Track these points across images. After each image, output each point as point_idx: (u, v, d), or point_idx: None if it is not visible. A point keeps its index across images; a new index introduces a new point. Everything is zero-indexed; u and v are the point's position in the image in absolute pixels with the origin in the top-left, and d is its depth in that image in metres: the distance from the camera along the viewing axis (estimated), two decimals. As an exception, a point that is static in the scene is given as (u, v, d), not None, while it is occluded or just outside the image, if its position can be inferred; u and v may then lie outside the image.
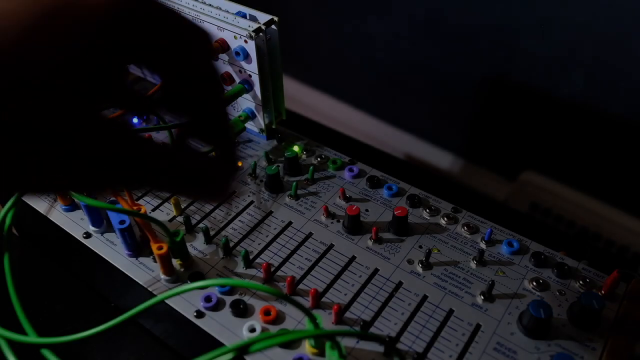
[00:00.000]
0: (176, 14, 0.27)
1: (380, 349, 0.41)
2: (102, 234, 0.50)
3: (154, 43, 0.26)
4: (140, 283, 0.46)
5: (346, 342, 0.41)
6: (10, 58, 0.22)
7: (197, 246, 0.49)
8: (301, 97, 1.37)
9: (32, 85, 0.22)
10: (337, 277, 0.46)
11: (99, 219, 0.49)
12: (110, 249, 0.49)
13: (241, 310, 0.43)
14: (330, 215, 0.51)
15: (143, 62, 0.27)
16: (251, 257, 0.47)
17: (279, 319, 0.43)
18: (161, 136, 0.60)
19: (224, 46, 0.53)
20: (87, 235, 0.50)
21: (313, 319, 0.38)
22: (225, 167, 0.30)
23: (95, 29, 0.24)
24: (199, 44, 0.28)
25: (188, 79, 0.28)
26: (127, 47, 0.26)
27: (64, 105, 0.23)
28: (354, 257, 0.48)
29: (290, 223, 0.51)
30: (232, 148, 0.30)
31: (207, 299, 0.44)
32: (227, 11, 0.54)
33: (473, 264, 0.47)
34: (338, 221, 0.51)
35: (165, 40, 0.27)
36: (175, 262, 0.47)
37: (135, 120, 0.62)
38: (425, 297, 0.45)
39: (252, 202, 0.53)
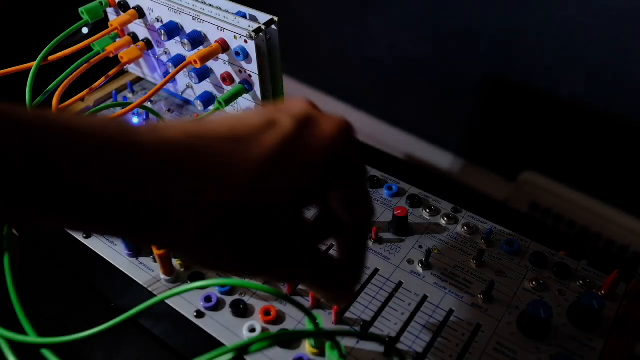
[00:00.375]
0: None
1: (380, 349, 0.41)
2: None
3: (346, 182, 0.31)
4: (140, 283, 0.46)
5: (346, 342, 0.41)
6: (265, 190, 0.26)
7: (197, 246, 0.49)
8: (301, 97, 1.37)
9: (274, 213, 0.27)
10: (337, 277, 0.46)
11: (99, 219, 0.49)
12: (110, 249, 0.49)
13: (241, 310, 0.43)
14: (330, 215, 0.51)
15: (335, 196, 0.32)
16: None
17: (279, 319, 0.43)
18: (161, 136, 0.60)
19: (224, 46, 0.53)
20: (87, 235, 0.50)
21: (313, 319, 0.38)
22: (354, 277, 0.34)
23: (321, 169, 0.28)
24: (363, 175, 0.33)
25: (352, 206, 0.32)
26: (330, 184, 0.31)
27: (287, 231, 0.28)
28: (354, 257, 0.48)
29: (290, 223, 0.51)
30: (364, 262, 0.34)
31: (207, 299, 0.44)
32: (227, 11, 0.54)
33: (473, 264, 0.47)
34: (338, 221, 0.51)
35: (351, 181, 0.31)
36: (175, 262, 0.47)
37: (135, 120, 0.62)
38: (425, 297, 0.45)
39: (252, 202, 0.53)
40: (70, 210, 0.24)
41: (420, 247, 0.48)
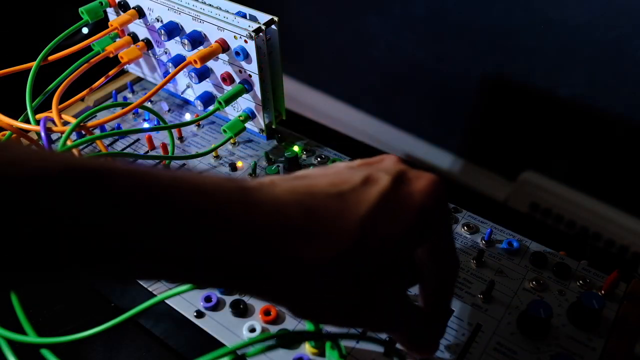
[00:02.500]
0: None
1: (380, 349, 0.41)
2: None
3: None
4: (140, 283, 0.46)
5: (346, 342, 0.41)
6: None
7: (197, 246, 0.49)
8: (301, 97, 1.37)
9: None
10: (337, 277, 0.46)
11: (99, 219, 0.49)
12: (110, 249, 0.49)
13: (241, 310, 0.43)
14: (330, 215, 0.51)
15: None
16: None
17: (279, 319, 0.43)
18: (161, 136, 0.60)
19: (224, 46, 0.53)
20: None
21: (313, 319, 0.38)
22: (441, 328, 0.36)
23: (415, 223, 0.30)
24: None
25: (440, 257, 0.34)
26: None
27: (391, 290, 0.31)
28: (354, 257, 0.48)
29: (290, 223, 0.51)
30: (449, 313, 0.37)
31: (207, 299, 0.44)
32: (227, 11, 0.54)
33: (473, 264, 0.47)
34: (338, 221, 0.51)
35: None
36: (175, 262, 0.46)
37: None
38: (425, 297, 0.45)
39: (252, 202, 0.53)
40: (187, 266, 0.26)
41: (420, 247, 0.48)
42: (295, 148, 0.58)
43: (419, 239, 0.32)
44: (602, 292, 0.44)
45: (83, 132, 0.56)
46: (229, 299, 0.44)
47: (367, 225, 0.28)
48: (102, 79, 0.60)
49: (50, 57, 0.56)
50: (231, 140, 0.59)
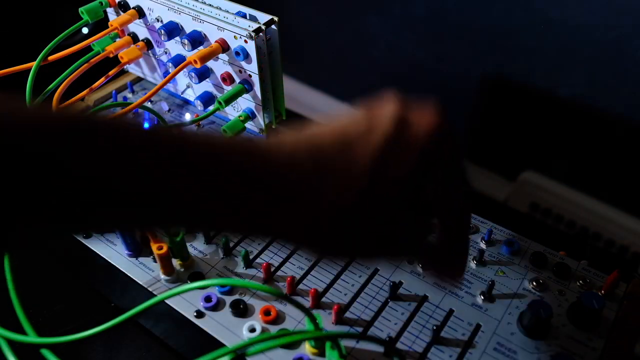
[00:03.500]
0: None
1: (380, 348, 0.41)
2: (102, 234, 0.50)
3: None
4: (140, 283, 0.46)
5: (346, 342, 0.41)
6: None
7: (197, 246, 0.49)
8: (301, 97, 1.37)
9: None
10: (337, 277, 0.46)
11: (99, 219, 0.49)
12: (110, 249, 0.49)
13: (241, 310, 0.43)
14: (330, 215, 0.51)
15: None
16: (251, 257, 0.47)
17: (279, 319, 0.43)
18: (161, 136, 0.60)
19: (224, 46, 0.53)
20: (87, 235, 0.50)
21: (313, 319, 0.38)
22: (453, 253, 0.36)
23: (421, 161, 0.31)
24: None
25: (451, 192, 0.35)
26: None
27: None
28: (354, 257, 0.48)
29: (290, 223, 0.51)
30: (463, 241, 0.37)
31: (207, 299, 0.44)
32: (227, 11, 0.54)
33: (473, 264, 0.47)
34: (338, 221, 0.51)
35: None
36: (175, 262, 0.47)
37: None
38: (425, 297, 0.45)
39: (252, 202, 0.53)
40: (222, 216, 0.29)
41: (420, 247, 0.48)
42: (295, 148, 0.58)
43: (424, 178, 0.33)
44: (602, 292, 0.44)
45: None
46: (229, 299, 0.44)
47: (377, 170, 0.30)
48: (102, 79, 0.60)
49: (50, 57, 0.56)
50: (231, 140, 0.59)
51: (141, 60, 0.65)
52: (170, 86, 0.65)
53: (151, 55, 0.63)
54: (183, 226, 0.32)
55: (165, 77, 0.54)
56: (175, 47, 0.59)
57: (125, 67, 0.65)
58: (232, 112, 0.60)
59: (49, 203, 0.25)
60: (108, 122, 0.27)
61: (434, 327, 0.41)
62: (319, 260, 0.47)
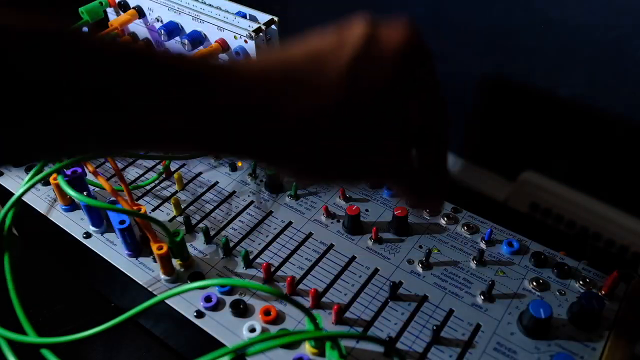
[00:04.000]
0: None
1: (380, 349, 0.41)
2: (102, 234, 0.50)
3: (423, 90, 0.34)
4: (140, 283, 0.46)
5: (346, 342, 0.41)
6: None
7: (197, 246, 0.49)
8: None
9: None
10: (337, 277, 0.46)
11: (99, 219, 0.49)
12: (110, 249, 0.49)
13: (241, 310, 0.43)
14: (330, 215, 0.51)
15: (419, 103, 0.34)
16: (251, 257, 0.47)
17: (279, 319, 0.43)
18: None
19: (224, 46, 0.53)
20: (87, 235, 0.50)
21: (313, 319, 0.38)
22: (442, 183, 0.36)
23: (394, 72, 0.31)
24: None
25: (430, 110, 0.34)
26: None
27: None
28: (354, 257, 0.48)
29: (290, 223, 0.51)
30: (447, 168, 0.36)
31: (207, 299, 0.44)
32: (227, 11, 0.54)
33: (473, 264, 0.47)
34: (338, 221, 0.51)
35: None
36: (175, 262, 0.47)
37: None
38: (425, 297, 0.45)
39: (252, 202, 0.53)
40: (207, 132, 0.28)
41: (420, 247, 0.48)
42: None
43: (404, 87, 0.32)
44: (602, 292, 0.44)
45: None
46: (229, 299, 0.44)
47: (348, 81, 0.29)
48: (102, 79, 0.60)
49: (50, 57, 0.56)
50: (231, 140, 0.59)
51: (141, 60, 0.65)
52: (170, 86, 0.65)
53: (151, 55, 0.63)
54: (149, 144, 0.30)
55: (165, 77, 0.54)
56: (175, 47, 0.59)
57: (125, 67, 0.65)
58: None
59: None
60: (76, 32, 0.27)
61: (434, 327, 0.41)
62: (319, 260, 0.47)
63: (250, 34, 0.50)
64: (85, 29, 0.74)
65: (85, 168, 0.50)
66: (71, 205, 0.52)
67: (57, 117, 0.26)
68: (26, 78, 0.24)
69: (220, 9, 0.54)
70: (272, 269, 0.47)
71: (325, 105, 0.29)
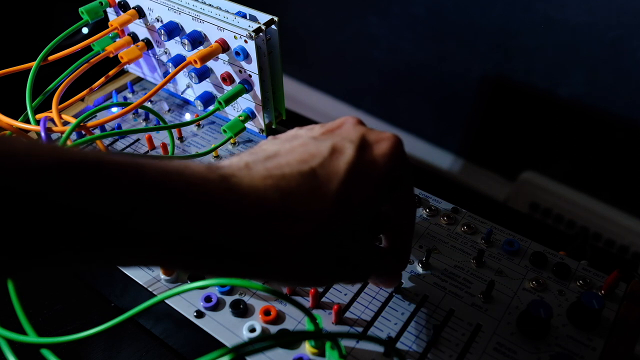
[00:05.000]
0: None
1: (380, 349, 0.41)
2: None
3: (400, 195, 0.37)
4: (140, 283, 0.46)
5: (346, 342, 0.41)
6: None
7: (197, 246, 0.49)
8: (301, 97, 1.37)
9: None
10: (337, 277, 0.46)
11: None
12: (110, 249, 0.49)
13: (241, 310, 0.43)
14: (330, 215, 0.51)
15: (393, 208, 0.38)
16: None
17: (279, 319, 0.43)
18: (161, 136, 0.60)
19: (224, 46, 0.53)
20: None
21: (313, 319, 0.38)
22: (404, 263, 0.41)
23: (383, 183, 0.33)
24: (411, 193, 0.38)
25: (405, 205, 0.38)
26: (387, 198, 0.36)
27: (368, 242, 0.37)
28: (354, 257, 0.48)
29: (290, 223, 0.51)
30: (408, 255, 0.41)
31: (207, 299, 0.44)
32: (227, 11, 0.54)
33: (473, 264, 0.47)
34: (338, 221, 0.51)
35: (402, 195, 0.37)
36: (175, 262, 0.46)
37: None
38: (425, 297, 0.45)
39: (252, 202, 0.53)
40: (185, 254, 0.28)
41: (420, 247, 0.48)
42: (295, 148, 0.58)
43: (387, 196, 0.35)
44: (602, 292, 0.44)
45: (83, 132, 0.56)
46: (229, 299, 0.44)
47: (341, 197, 0.31)
48: (102, 79, 0.60)
49: (50, 57, 0.56)
50: (231, 140, 0.59)
51: (141, 60, 0.65)
52: (170, 86, 0.65)
53: (151, 55, 0.63)
54: (146, 262, 0.31)
55: (165, 77, 0.54)
56: (175, 47, 0.59)
57: (125, 67, 0.65)
58: (232, 112, 0.60)
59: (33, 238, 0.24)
60: (91, 156, 0.26)
61: (435, 325, 0.41)
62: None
63: (250, 34, 0.50)
64: (85, 29, 0.75)
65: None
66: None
67: (76, 253, 0.26)
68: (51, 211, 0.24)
69: (220, 9, 0.54)
70: (272, 269, 0.46)
71: (317, 226, 0.30)
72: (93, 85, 0.60)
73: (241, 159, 0.32)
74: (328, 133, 0.34)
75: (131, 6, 0.59)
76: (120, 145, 0.59)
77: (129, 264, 0.38)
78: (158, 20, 0.58)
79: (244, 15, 0.53)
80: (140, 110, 0.63)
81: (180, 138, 0.60)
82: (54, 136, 0.58)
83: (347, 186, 0.31)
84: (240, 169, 0.30)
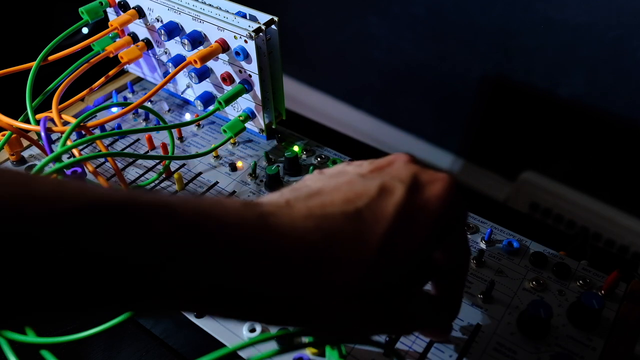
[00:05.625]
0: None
1: (380, 349, 0.41)
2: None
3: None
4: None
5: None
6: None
7: (197, 246, 0.48)
8: (301, 97, 1.37)
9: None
10: (337, 277, 0.46)
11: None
12: (110, 249, 0.49)
13: (241, 310, 0.43)
14: (330, 215, 0.51)
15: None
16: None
17: (279, 319, 0.43)
18: (161, 136, 0.60)
19: (224, 46, 0.53)
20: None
21: (313, 319, 0.38)
22: (454, 314, 0.37)
23: (434, 229, 0.30)
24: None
25: (457, 251, 0.35)
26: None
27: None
28: (354, 257, 0.48)
29: (290, 223, 0.51)
30: (459, 304, 0.37)
31: (207, 299, 0.44)
32: (227, 11, 0.54)
33: (473, 264, 0.47)
34: (338, 221, 0.51)
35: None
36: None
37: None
38: (425, 297, 0.45)
39: (252, 202, 0.53)
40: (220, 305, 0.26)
41: (420, 247, 0.48)
42: (295, 148, 0.58)
43: (438, 244, 0.32)
44: (602, 292, 0.44)
45: (83, 132, 0.56)
46: (229, 299, 0.44)
47: (387, 242, 0.28)
48: (102, 79, 0.60)
49: (50, 57, 0.56)
50: (231, 140, 0.59)
51: (141, 60, 0.65)
52: (170, 86, 0.65)
53: (151, 55, 0.63)
54: (179, 310, 0.31)
55: (165, 77, 0.54)
56: (175, 47, 0.59)
57: (125, 67, 0.65)
58: (232, 112, 0.60)
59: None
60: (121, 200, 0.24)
61: (434, 327, 0.41)
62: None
63: (250, 34, 0.50)
64: (85, 29, 0.75)
65: (85, 168, 0.50)
66: (71, 205, 0.51)
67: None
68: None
69: (220, 9, 0.54)
70: (272, 269, 0.46)
71: (361, 274, 0.28)
72: (93, 85, 0.60)
73: (282, 195, 0.30)
74: (377, 171, 0.32)
75: (131, 6, 0.59)
76: (120, 145, 0.59)
77: (155, 315, 0.35)
78: (158, 20, 0.58)
79: (244, 15, 0.53)
80: (140, 110, 0.63)
81: (180, 138, 0.60)
82: (53, 136, 0.58)
83: (394, 230, 0.29)
84: (280, 207, 0.28)
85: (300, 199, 0.29)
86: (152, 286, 0.24)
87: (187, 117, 0.63)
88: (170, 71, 0.54)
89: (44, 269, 0.21)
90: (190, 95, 0.63)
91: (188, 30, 0.56)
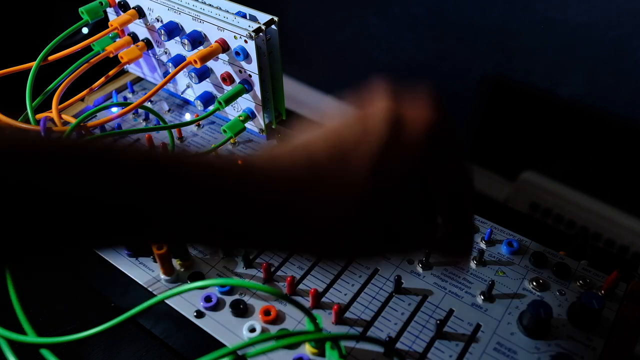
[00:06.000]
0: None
1: (380, 349, 0.41)
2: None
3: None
4: (140, 283, 0.46)
5: (346, 342, 0.41)
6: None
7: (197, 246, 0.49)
8: (301, 97, 1.37)
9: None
10: (337, 277, 0.46)
11: (99, 219, 0.49)
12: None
13: (241, 310, 0.43)
14: (330, 215, 0.51)
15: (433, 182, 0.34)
16: (251, 257, 0.47)
17: (279, 319, 0.43)
18: (161, 136, 0.60)
19: (224, 46, 0.53)
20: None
21: (313, 319, 0.38)
22: (466, 244, 0.36)
23: (420, 162, 0.31)
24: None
25: (448, 182, 0.34)
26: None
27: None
28: (354, 257, 0.48)
29: (290, 223, 0.51)
30: (470, 229, 0.37)
31: (207, 299, 0.44)
32: (227, 11, 0.54)
33: (473, 264, 0.47)
34: (338, 221, 0.51)
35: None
36: (175, 262, 0.47)
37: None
38: (425, 297, 0.45)
39: (252, 202, 0.53)
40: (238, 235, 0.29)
41: (420, 247, 0.48)
42: (295, 148, 0.58)
43: (429, 168, 0.32)
44: (602, 292, 0.44)
45: (83, 132, 0.56)
46: (229, 299, 0.44)
47: (374, 177, 0.29)
48: (102, 79, 0.60)
49: (50, 57, 0.56)
50: (231, 140, 0.59)
51: (141, 60, 0.65)
52: (170, 86, 0.65)
53: (151, 55, 0.63)
54: (178, 242, 0.32)
55: (165, 77, 0.54)
56: (175, 47, 0.59)
57: (125, 67, 0.65)
58: (232, 112, 0.60)
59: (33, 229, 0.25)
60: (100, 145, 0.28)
61: (438, 322, 0.41)
62: (318, 261, 0.47)
63: (250, 34, 0.50)
64: (85, 29, 0.75)
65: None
66: (71, 205, 0.51)
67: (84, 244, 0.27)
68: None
69: (220, 9, 0.54)
70: (272, 269, 0.47)
71: (352, 200, 0.29)
72: (93, 85, 0.60)
73: (267, 151, 0.32)
74: (359, 109, 0.33)
75: (131, 6, 0.59)
76: (120, 145, 0.59)
77: (162, 240, 0.38)
78: (158, 20, 0.58)
79: (244, 15, 0.53)
80: (140, 110, 0.63)
81: (180, 138, 0.60)
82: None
83: (381, 166, 0.30)
84: (264, 151, 0.30)
85: (285, 146, 0.31)
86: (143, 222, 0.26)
87: (187, 117, 0.63)
88: (170, 71, 0.54)
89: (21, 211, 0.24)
90: (190, 95, 0.63)
91: (188, 30, 0.56)
